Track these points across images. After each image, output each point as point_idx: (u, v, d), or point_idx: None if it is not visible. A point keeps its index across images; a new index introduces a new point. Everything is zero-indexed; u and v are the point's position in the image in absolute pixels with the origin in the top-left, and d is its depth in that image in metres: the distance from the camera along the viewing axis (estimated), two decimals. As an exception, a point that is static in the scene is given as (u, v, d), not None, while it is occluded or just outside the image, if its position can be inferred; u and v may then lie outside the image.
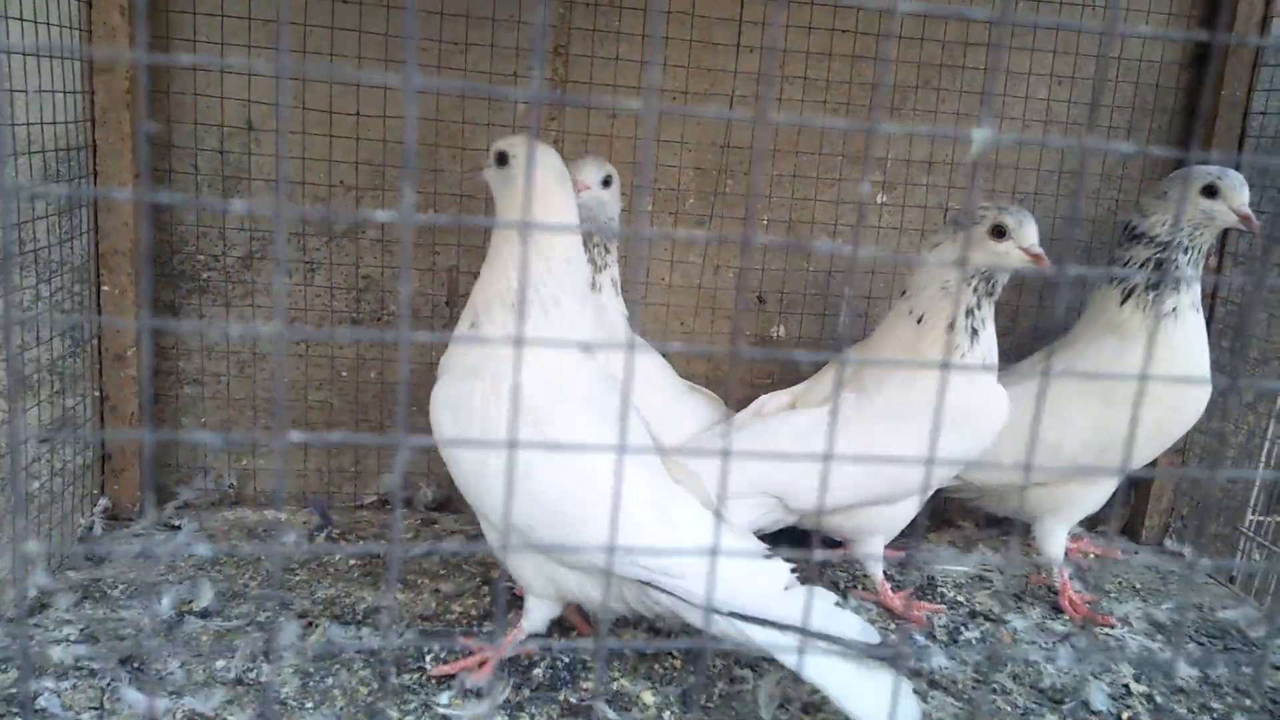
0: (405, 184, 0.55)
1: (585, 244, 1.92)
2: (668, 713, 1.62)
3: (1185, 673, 1.86)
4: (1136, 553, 2.41)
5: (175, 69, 2.00)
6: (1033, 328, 2.41)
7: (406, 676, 1.66)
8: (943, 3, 1.85)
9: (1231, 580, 2.32)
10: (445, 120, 2.10)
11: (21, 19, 1.68)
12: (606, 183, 1.93)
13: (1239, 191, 1.89)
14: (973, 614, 2.01)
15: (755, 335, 2.35)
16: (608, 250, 2.00)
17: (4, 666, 1.57)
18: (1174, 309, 1.96)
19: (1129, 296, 1.98)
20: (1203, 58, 2.33)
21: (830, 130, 2.25)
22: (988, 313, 1.88)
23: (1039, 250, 1.79)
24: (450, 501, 2.31)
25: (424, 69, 2.06)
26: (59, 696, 1.53)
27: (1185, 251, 1.94)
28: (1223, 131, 2.28)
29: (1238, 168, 2.25)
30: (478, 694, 1.61)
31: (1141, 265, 1.96)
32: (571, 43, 2.12)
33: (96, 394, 2.05)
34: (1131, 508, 2.50)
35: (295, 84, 2.01)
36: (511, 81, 2.11)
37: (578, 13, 2.11)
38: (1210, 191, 1.90)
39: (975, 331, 1.87)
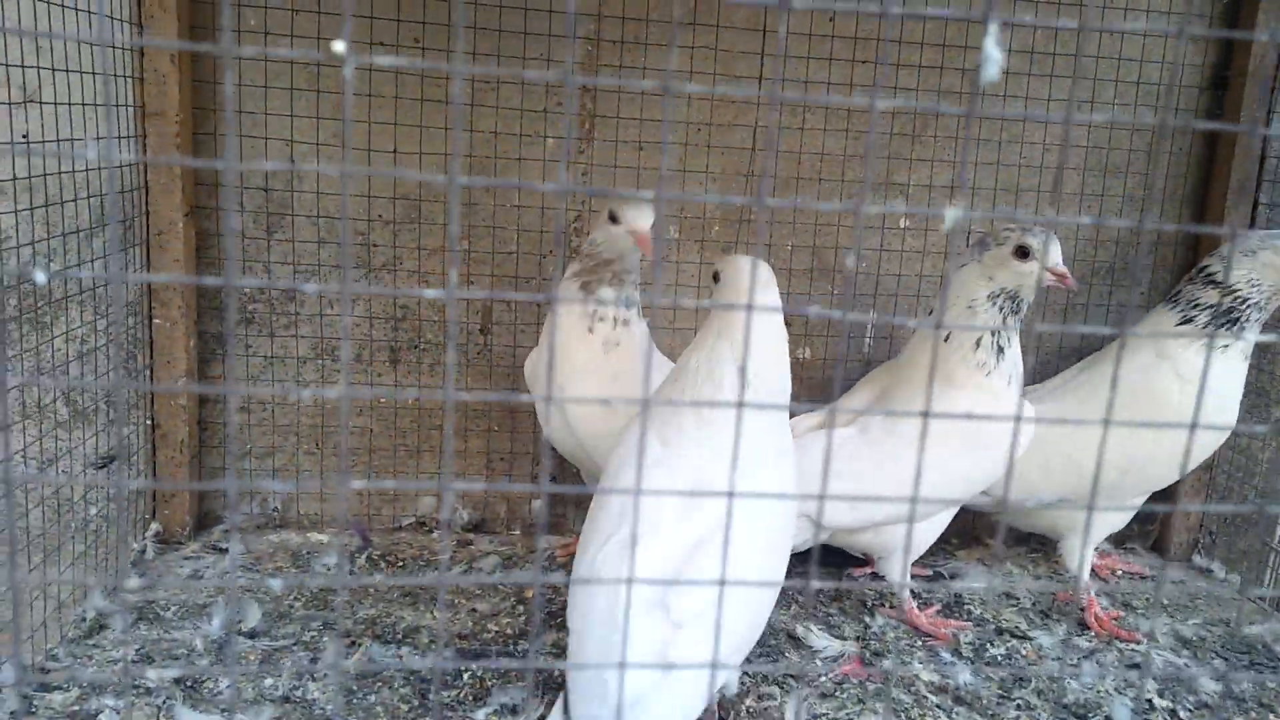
0: (451, 268, 0.61)
1: (619, 280, 1.96)
2: (698, 729, 1.67)
3: (1209, 688, 1.88)
4: (1164, 568, 2.42)
5: (220, 111, 2.09)
6: (1056, 350, 2.44)
7: (445, 694, 1.72)
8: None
9: (1263, 597, 2.33)
10: (478, 156, 2.18)
11: (80, 68, 1.78)
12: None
13: None
14: (999, 630, 2.04)
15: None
16: (636, 286, 2.02)
17: (65, 685, 1.66)
18: (1226, 346, 1.99)
19: (1187, 322, 2.01)
20: (1222, 80, 2.35)
21: (851, 155, 2.30)
22: (1013, 331, 1.92)
23: (1064, 269, 1.84)
24: (485, 523, 2.38)
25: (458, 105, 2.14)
26: (118, 714, 1.60)
27: (1259, 309, 1.98)
28: (1242, 153, 2.31)
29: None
30: (513, 710, 1.67)
31: (1210, 308, 2.00)
32: (600, 54, 2.19)
33: (149, 423, 2.14)
34: (1160, 524, 2.52)
35: (334, 123, 2.10)
36: (541, 118, 2.18)
37: (604, 50, 2.18)
38: None
39: (1001, 349, 1.91)
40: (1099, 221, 0.75)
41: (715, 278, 1.70)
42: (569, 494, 2.40)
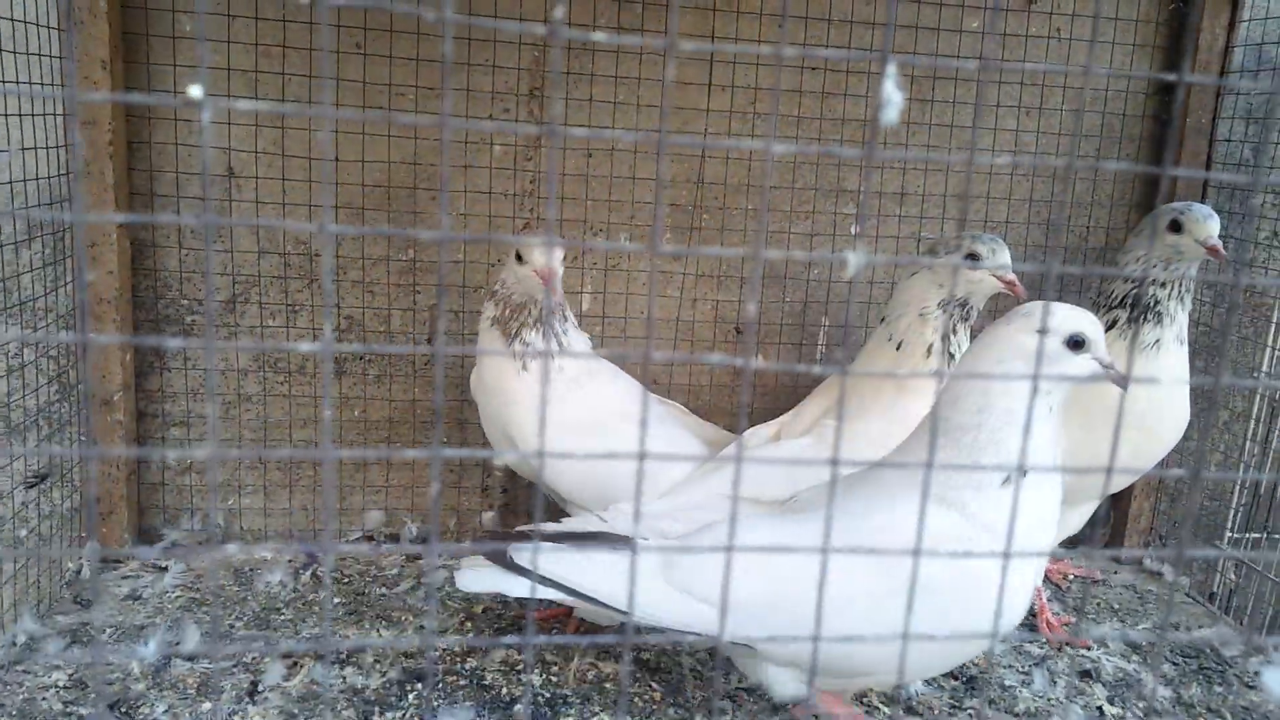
0: (326, 323, 0.58)
1: (537, 321, 1.91)
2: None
3: (1160, 694, 1.89)
4: (1116, 572, 2.44)
5: (156, 119, 2.03)
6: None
7: (389, 714, 1.69)
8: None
9: (1210, 599, 2.35)
10: (423, 164, 2.14)
11: (2, 78, 1.72)
12: (562, 259, 1.91)
13: (1203, 225, 1.89)
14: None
15: (733, 366, 2.38)
16: (565, 317, 1.99)
17: (-7, 714, 1.60)
18: (1156, 340, 1.98)
19: (1111, 327, 2.01)
20: (1169, 85, 2.37)
21: (802, 162, 2.29)
22: (964, 337, 1.93)
23: (1012, 276, 1.84)
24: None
25: (402, 112, 2.11)
26: (46, 744, 1.55)
27: (1163, 286, 1.96)
28: (1189, 157, 2.33)
29: (1203, 198, 2.30)
30: (459, 732, 1.64)
31: (1122, 300, 2.00)
32: (546, 86, 2.16)
33: (83, 438, 2.08)
34: (1111, 528, 2.54)
35: (274, 130, 2.06)
36: (486, 118, 2.15)
37: (551, 55, 2.15)
38: (1175, 227, 1.91)
39: (952, 356, 1.92)
40: (1022, 267, 0.73)
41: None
42: (521, 506, 2.37)
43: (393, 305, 2.21)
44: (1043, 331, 1.39)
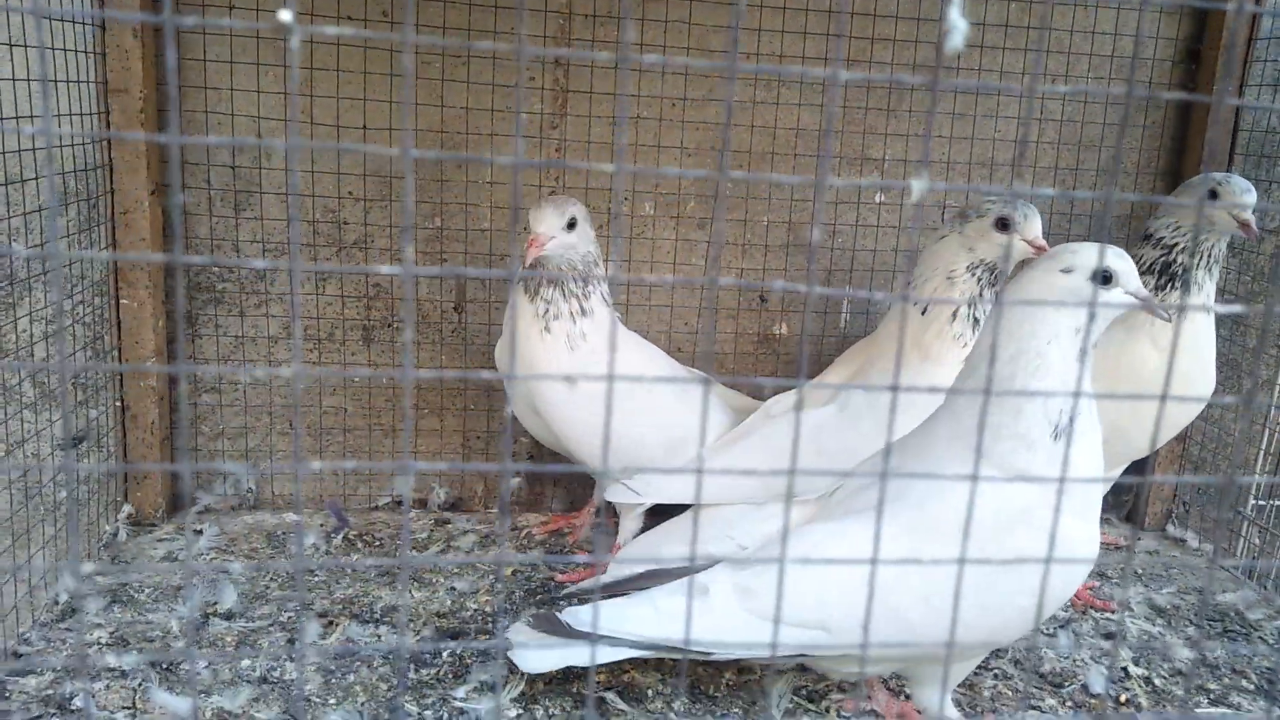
0: (405, 243, 0.59)
1: (560, 286, 1.92)
2: (677, 702, 1.67)
3: (1183, 655, 1.90)
4: (1139, 539, 2.45)
5: (186, 87, 2.05)
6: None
7: (424, 672, 1.72)
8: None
9: (1251, 575, 2.36)
10: (450, 131, 2.15)
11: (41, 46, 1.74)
12: (571, 225, 1.87)
13: (1241, 195, 1.89)
14: (975, 603, 2.05)
15: (758, 333, 2.40)
16: (586, 281, 1.95)
17: (39, 669, 1.64)
18: (1180, 309, 1.98)
19: None
20: (1195, 52, 2.36)
21: (827, 133, 2.29)
22: (989, 302, 1.93)
23: (1043, 242, 1.83)
24: (462, 501, 2.37)
25: (429, 81, 2.12)
26: (93, 697, 1.59)
27: (1193, 255, 1.96)
28: (1215, 127, 2.32)
29: (1229, 166, 2.30)
30: (492, 687, 1.67)
31: (1150, 266, 1.99)
32: (572, 29, 2.17)
33: (118, 404, 2.11)
34: (1134, 494, 2.55)
35: (303, 99, 2.07)
36: (513, 92, 2.16)
37: (576, 23, 2.15)
38: (1212, 195, 1.91)
39: (977, 320, 1.93)
40: (1065, 195, 0.74)
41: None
42: (547, 473, 2.39)
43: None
44: (1067, 270, 1.40)
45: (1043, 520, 1.37)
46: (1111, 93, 0.67)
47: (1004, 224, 1.85)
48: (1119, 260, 1.45)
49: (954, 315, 1.94)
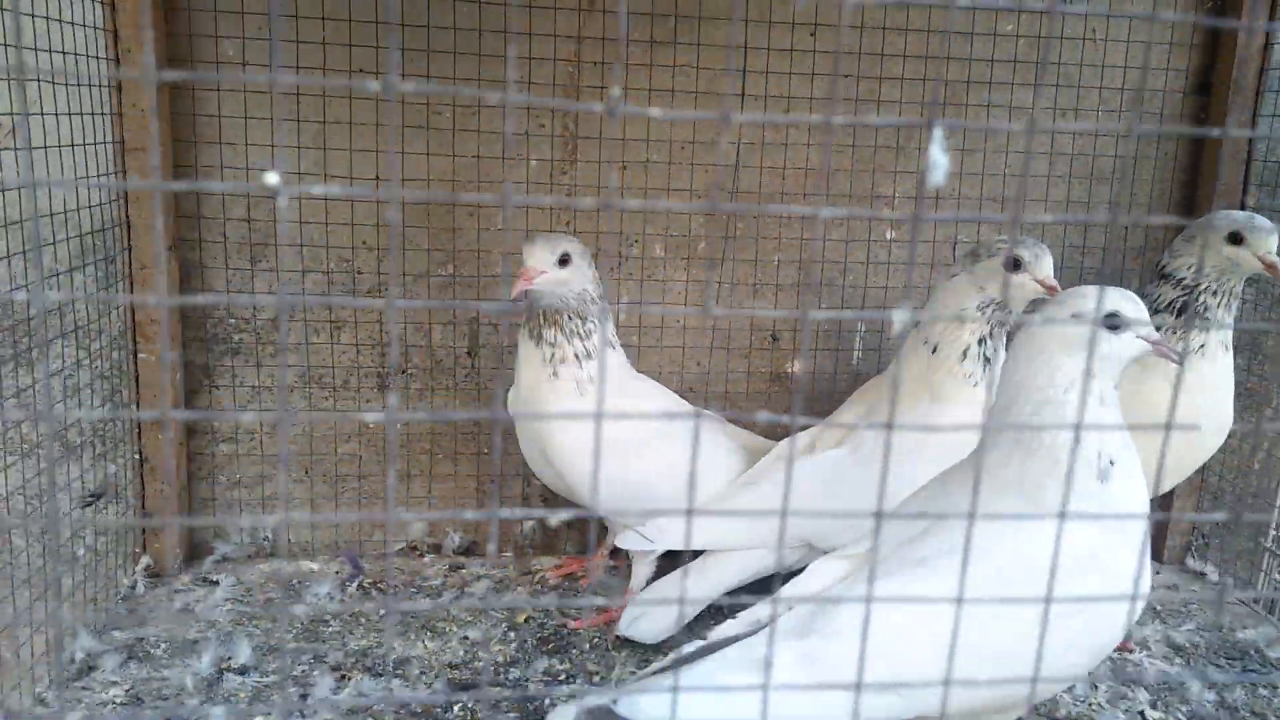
0: (391, 392, 0.60)
1: (559, 327, 1.93)
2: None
3: (1202, 697, 1.88)
4: (1158, 572, 2.42)
5: (201, 143, 2.08)
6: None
7: (438, 726, 1.72)
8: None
9: (1255, 600, 2.33)
10: (462, 180, 2.17)
11: (55, 111, 1.77)
12: (564, 261, 1.87)
13: (1265, 240, 1.87)
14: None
15: (770, 372, 2.40)
16: (584, 319, 1.94)
17: (56, 728, 1.65)
18: (1202, 346, 1.96)
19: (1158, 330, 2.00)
20: (1206, 84, 2.35)
21: (836, 170, 2.29)
22: (999, 342, 1.93)
23: (1054, 282, 1.83)
24: (476, 546, 2.37)
25: (439, 131, 2.14)
26: (108, 757, 1.60)
27: (1214, 295, 1.95)
28: (1228, 156, 2.30)
29: (1242, 205, 2.28)
30: (507, 743, 1.67)
31: (1168, 306, 1.97)
32: (580, 98, 2.18)
33: (136, 456, 2.13)
34: (1154, 527, 2.52)
35: (316, 151, 2.09)
36: (523, 139, 2.17)
37: (585, 71, 2.17)
38: (1235, 239, 1.89)
39: (987, 360, 1.92)
40: (1066, 219, 0.74)
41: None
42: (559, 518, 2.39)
43: (433, 320, 2.24)
44: (1077, 316, 1.40)
45: (1108, 562, 1.38)
46: (1112, 129, 0.67)
47: (1016, 264, 1.84)
48: (1128, 304, 1.45)
49: (964, 354, 1.94)
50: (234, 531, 2.27)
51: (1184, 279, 1.96)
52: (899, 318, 0.70)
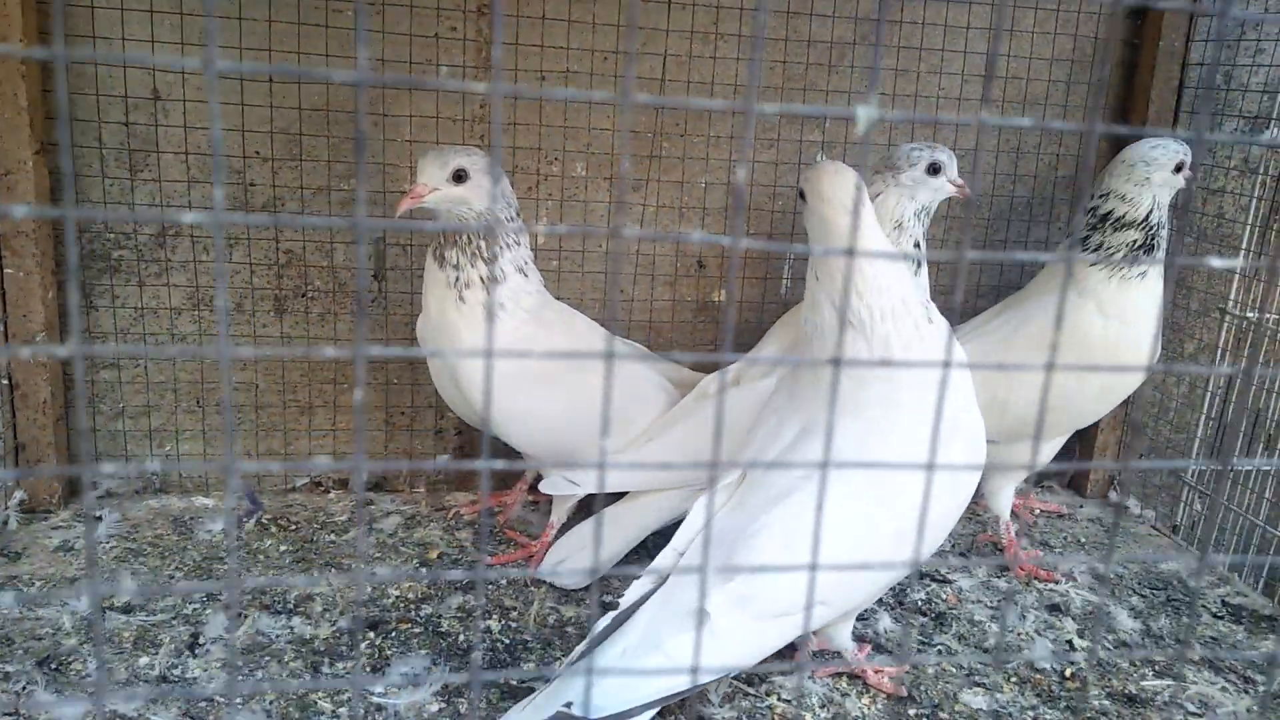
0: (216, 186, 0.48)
1: (454, 242, 1.79)
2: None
3: (1128, 625, 1.86)
4: (1081, 506, 2.41)
5: (74, 36, 1.88)
6: (974, 288, 2.39)
7: (340, 665, 1.61)
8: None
9: (1174, 530, 2.34)
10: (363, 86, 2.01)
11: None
12: (459, 177, 1.73)
13: (1187, 158, 1.94)
14: (919, 575, 1.99)
15: (696, 301, 2.30)
16: (490, 241, 1.80)
17: (-92, 674, 1.49)
18: (1143, 273, 1.94)
19: (1102, 262, 1.95)
20: (1141, 9, 2.30)
21: (765, 87, 2.19)
22: (924, 245, 1.96)
23: (961, 181, 1.92)
24: (386, 481, 2.25)
25: (339, 31, 1.97)
26: (-33, 703, 1.45)
27: (1164, 226, 1.96)
28: (1161, 83, 2.26)
29: (1174, 124, 2.25)
30: (414, 682, 1.56)
31: (1127, 246, 1.93)
32: (495, 1, 2.03)
33: (4, 381, 1.95)
34: (1075, 461, 2.51)
35: (201, 49, 1.91)
36: (432, 43, 2.02)
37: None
38: (1179, 168, 1.93)
39: (919, 265, 1.93)
40: (1045, 125, 0.65)
41: (802, 196, 1.58)
42: (476, 452, 2.27)
43: (335, 239, 2.09)
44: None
45: (967, 422, 1.49)
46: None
47: (935, 169, 1.89)
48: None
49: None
50: (118, 464, 2.10)
51: (1152, 219, 1.94)
52: (864, 113, 0.60)
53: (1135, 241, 1.93)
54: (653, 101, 0.59)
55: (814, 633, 1.63)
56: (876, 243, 1.55)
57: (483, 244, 1.79)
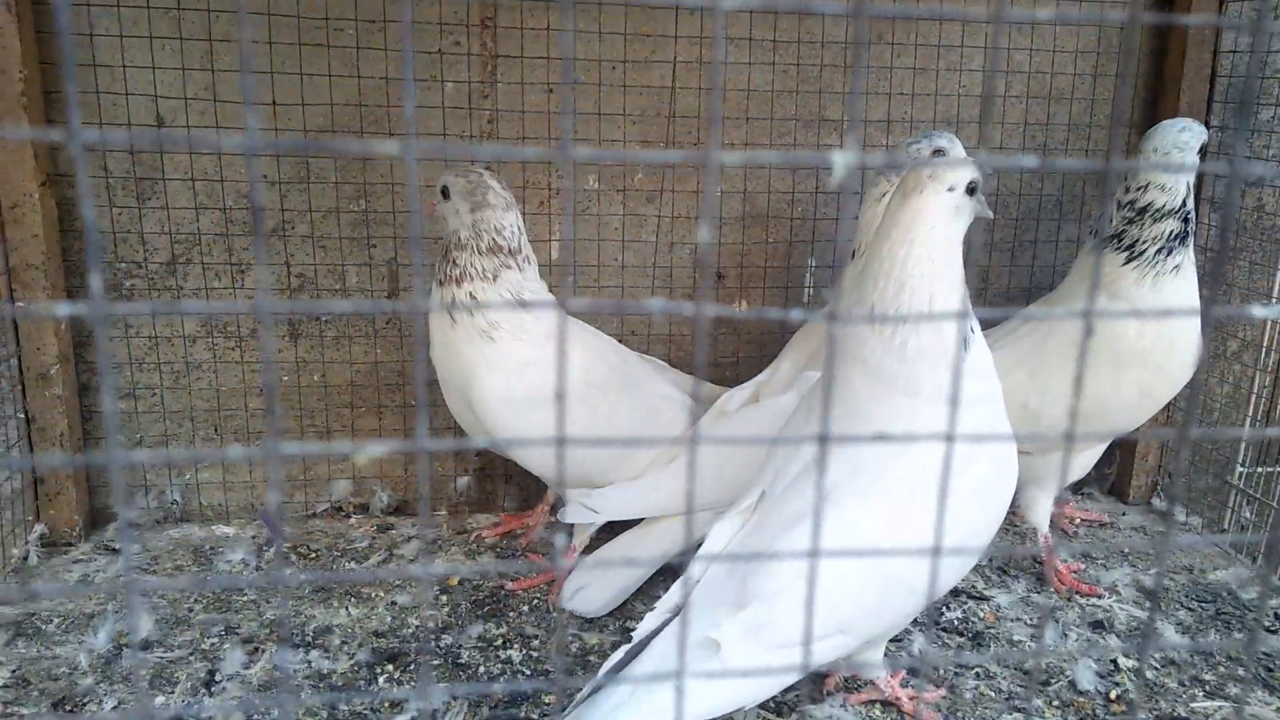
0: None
1: (447, 259, 1.79)
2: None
3: (1176, 641, 1.78)
4: (1124, 514, 2.33)
5: (76, 65, 1.86)
6: (1004, 290, 2.31)
7: (358, 700, 1.57)
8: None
9: (1222, 534, 2.25)
10: (370, 105, 1.98)
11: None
12: (445, 194, 1.76)
13: (1206, 140, 1.89)
14: (955, 592, 1.92)
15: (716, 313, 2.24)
16: (467, 264, 1.77)
17: (-77, 719, 1.48)
18: (1176, 267, 1.86)
19: (1137, 258, 1.87)
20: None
21: (780, 91, 2.13)
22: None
23: None
24: (406, 505, 2.21)
25: (342, 50, 1.94)
26: (-17, 748, 1.43)
27: (1194, 213, 1.89)
28: (1192, 72, 2.17)
29: (1208, 114, 2.17)
30: (433, 716, 1.52)
31: (1163, 239, 1.85)
32: (499, 14, 1.99)
33: (21, 416, 1.94)
34: (1117, 468, 2.42)
35: (204, 74, 1.89)
36: (436, 59, 1.98)
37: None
38: (1205, 151, 1.88)
39: None
40: (1049, 166, 0.60)
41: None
42: (498, 473, 2.23)
43: (347, 261, 2.06)
44: (952, 189, 1.40)
45: (993, 443, 1.41)
46: (1084, 19, 0.52)
47: (941, 154, 1.82)
48: (977, 173, 1.48)
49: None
50: (139, 495, 2.09)
51: (1188, 209, 1.85)
52: (840, 160, 0.55)
53: (1173, 232, 1.85)
54: (592, 157, 0.54)
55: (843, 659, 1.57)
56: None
57: (466, 263, 1.76)
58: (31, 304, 1.83)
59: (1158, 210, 1.85)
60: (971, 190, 1.42)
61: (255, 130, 0.48)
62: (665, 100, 2.09)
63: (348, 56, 1.93)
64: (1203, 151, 1.87)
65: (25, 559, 1.94)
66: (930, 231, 1.38)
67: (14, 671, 1.61)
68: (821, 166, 2.18)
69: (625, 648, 1.37)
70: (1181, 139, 1.85)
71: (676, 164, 2.04)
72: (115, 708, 1.53)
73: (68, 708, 1.53)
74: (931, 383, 1.37)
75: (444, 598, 1.88)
